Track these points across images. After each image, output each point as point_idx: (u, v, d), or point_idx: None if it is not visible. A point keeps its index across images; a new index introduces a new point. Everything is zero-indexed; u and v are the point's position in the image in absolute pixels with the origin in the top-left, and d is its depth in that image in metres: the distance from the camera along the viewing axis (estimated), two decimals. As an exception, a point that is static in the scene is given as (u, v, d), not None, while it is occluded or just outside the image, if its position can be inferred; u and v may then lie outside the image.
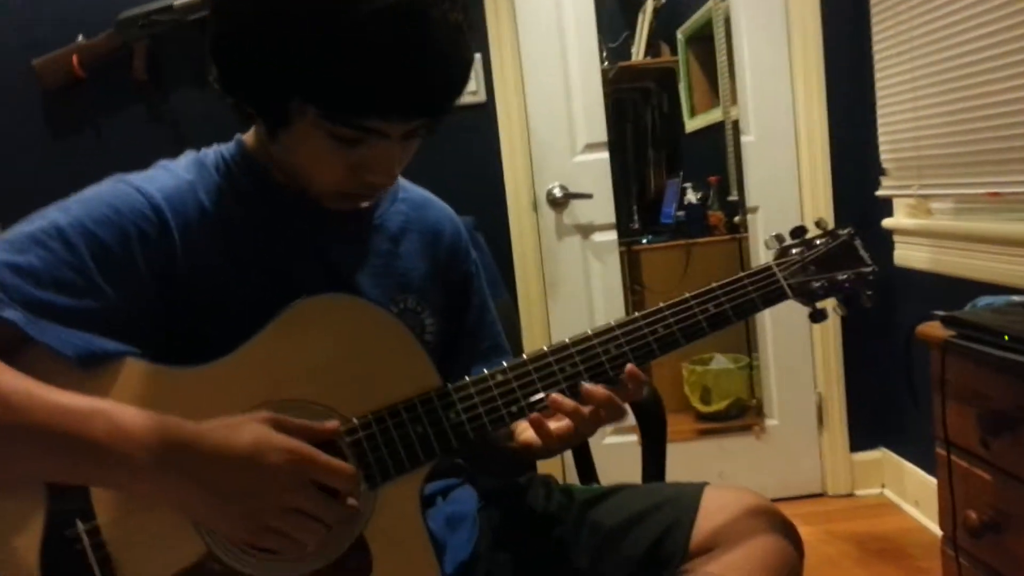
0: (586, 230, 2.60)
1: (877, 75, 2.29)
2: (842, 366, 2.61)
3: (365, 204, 1.03)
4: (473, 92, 2.49)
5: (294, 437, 0.81)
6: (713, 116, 3.34)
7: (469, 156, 2.52)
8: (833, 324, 2.59)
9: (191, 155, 1.01)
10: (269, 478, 0.78)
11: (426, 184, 2.64)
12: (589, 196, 2.54)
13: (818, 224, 1.11)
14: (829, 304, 1.11)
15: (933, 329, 1.38)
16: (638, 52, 4.02)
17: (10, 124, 2.45)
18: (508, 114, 2.50)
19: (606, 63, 3.65)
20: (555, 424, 0.97)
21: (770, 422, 2.70)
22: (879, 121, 2.30)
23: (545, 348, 0.96)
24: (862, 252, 1.10)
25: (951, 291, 2.09)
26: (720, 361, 3.27)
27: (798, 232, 1.10)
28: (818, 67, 2.49)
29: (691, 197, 3.69)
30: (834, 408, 2.63)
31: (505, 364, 0.95)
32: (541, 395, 0.94)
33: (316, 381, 0.89)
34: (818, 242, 1.07)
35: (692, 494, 1.07)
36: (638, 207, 4.33)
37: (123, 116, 2.46)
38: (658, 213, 3.92)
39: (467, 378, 0.94)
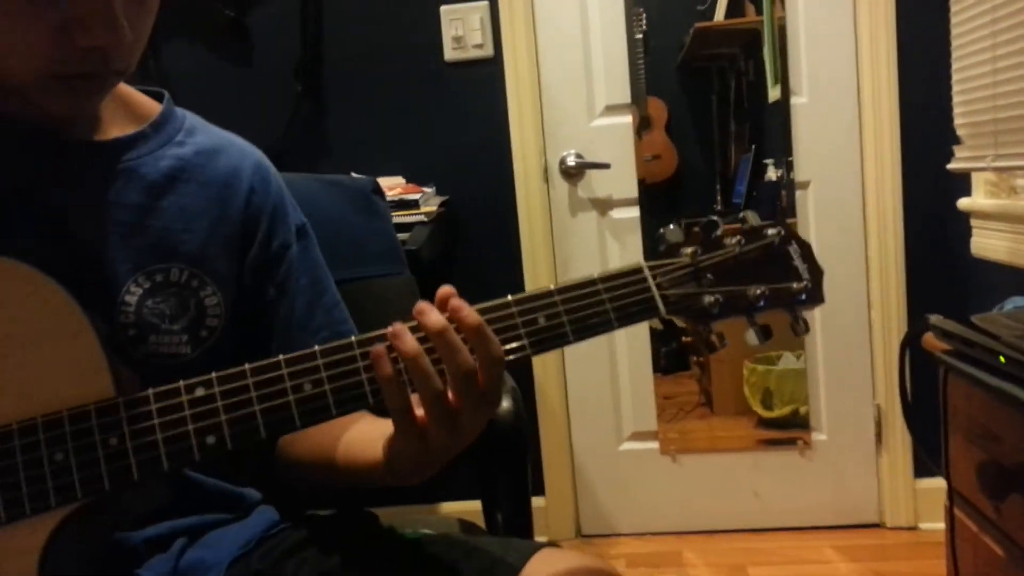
0: (604, 205, 2.28)
1: (953, 19, 1.85)
2: (909, 373, 2.18)
3: (96, 94, 0.76)
4: (478, 45, 2.21)
5: None
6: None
7: (472, 119, 2.25)
8: (898, 325, 2.16)
9: None
10: None
11: (424, 148, 2.36)
12: (607, 166, 2.22)
13: (743, 220, 0.78)
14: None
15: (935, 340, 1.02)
16: (720, 12, 3.62)
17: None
18: (517, 71, 2.21)
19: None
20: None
21: (818, 436, 2.31)
22: (954, 77, 1.86)
23: (282, 357, 0.68)
24: (797, 261, 0.75)
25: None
26: (789, 360, 2.89)
27: (708, 227, 0.77)
28: (887, 10, 2.06)
29: (771, 174, 3.29)
30: (896, 424, 2.21)
31: (213, 375, 0.67)
32: (257, 420, 0.66)
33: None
34: (728, 242, 0.75)
35: (515, 560, 0.78)
36: (720, 186, 3.94)
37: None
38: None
39: (150, 390, 0.67)
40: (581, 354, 2.32)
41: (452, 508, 2.19)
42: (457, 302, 0.66)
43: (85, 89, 0.74)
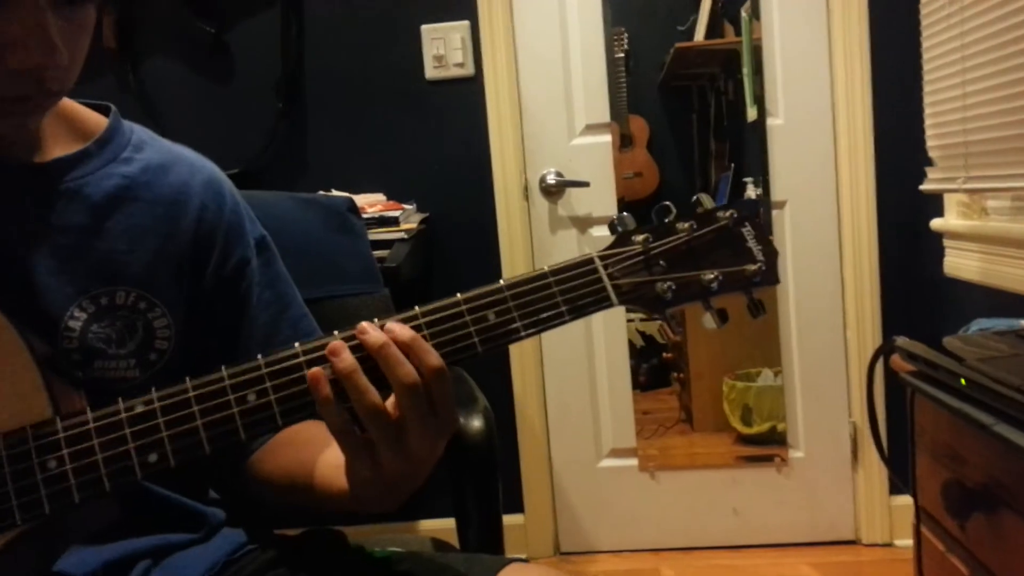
0: (584, 223, 2.29)
1: (924, 43, 1.88)
2: (883, 392, 2.20)
3: (31, 120, 0.74)
4: (459, 64, 2.23)
5: None
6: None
7: (452, 136, 2.26)
8: (872, 344, 2.18)
9: None
10: None
11: (404, 166, 2.35)
12: (586, 184, 2.23)
13: (697, 203, 0.78)
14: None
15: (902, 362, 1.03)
16: (699, 33, 3.66)
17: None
18: (498, 90, 2.22)
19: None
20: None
21: (794, 454, 2.32)
22: (926, 100, 1.89)
23: (224, 369, 0.68)
24: (751, 243, 0.74)
25: (1010, 309, 1.68)
26: (768, 377, 2.91)
27: (660, 213, 0.77)
28: (860, 35, 2.09)
29: (751, 192, 3.32)
30: (871, 442, 2.21)
31: (153, 393, 0.66)
32: (200, 434, 0.66)
33: None
34: (680, 227, 0.74)
35: (482, 575, 0.78)
36: (701, 204, 3.98)
37: (90, 86, 2.33)
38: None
39: (88, 412, 0.66)
40: (560, 370, 2.33)
41: (429, 526, 2.19)
42: (391, 324, 0.67)
43: (19, 112, 0.71)
